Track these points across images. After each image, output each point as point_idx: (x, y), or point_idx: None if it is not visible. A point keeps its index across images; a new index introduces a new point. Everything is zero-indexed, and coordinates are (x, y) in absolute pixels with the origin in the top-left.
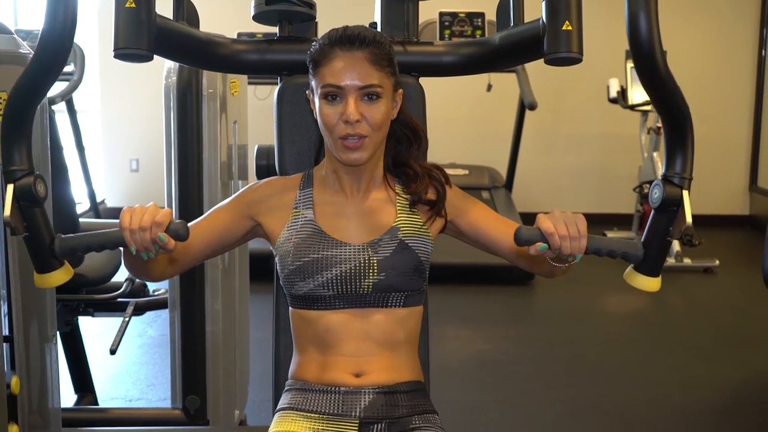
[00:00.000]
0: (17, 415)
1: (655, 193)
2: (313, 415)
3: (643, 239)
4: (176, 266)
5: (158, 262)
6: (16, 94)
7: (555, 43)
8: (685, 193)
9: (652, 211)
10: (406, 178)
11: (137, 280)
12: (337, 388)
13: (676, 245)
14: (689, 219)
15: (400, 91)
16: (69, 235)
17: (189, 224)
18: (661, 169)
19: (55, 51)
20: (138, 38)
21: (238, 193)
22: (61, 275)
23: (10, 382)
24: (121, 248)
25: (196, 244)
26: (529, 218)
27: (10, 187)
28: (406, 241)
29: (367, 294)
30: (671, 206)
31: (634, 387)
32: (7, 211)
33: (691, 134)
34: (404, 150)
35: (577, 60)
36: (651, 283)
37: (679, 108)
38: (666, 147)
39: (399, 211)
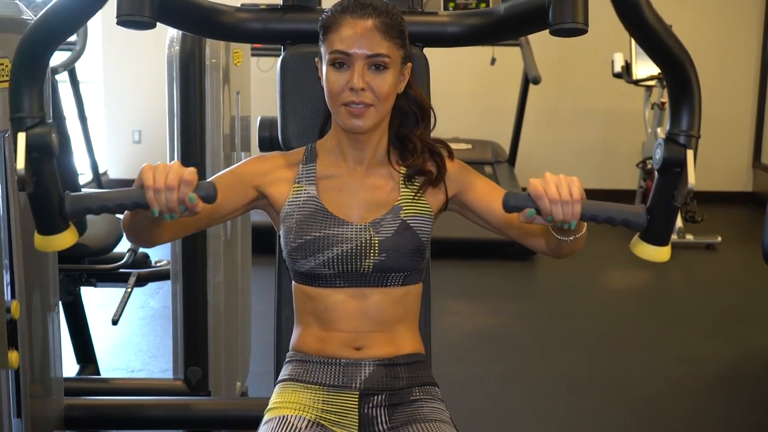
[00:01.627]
0: (17, 341)
1: (657, 154)
2: (313, 386)
3: (648, 205)
4: (178, 231)
5: (166, 226)
6: (32, 34)
7: (560, 13)
8: (688, 152)
9: (656, 174)
10: (406, 151)
11: (140, 250)
12: (337, 360)
13: (678, 221)
14: (692, 180)
15: (409, 65)
16: (81, 192)
17: None
18: None
19: None
20: (141, 5)
21: (242, 162)
22: (66, 238)
23: (10, 306)
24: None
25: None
26: None
27: (21, 136)
28: (408, 221)
29: (367, 273)
30: (674, 167)
31: (635, 362)
32: (21, 163)
33: (696, 86)
34: (410, 125)
35: (582, 31)
36: (658, 253)
37: (678, 57)
38: (669, 102)
39: (402, 189)
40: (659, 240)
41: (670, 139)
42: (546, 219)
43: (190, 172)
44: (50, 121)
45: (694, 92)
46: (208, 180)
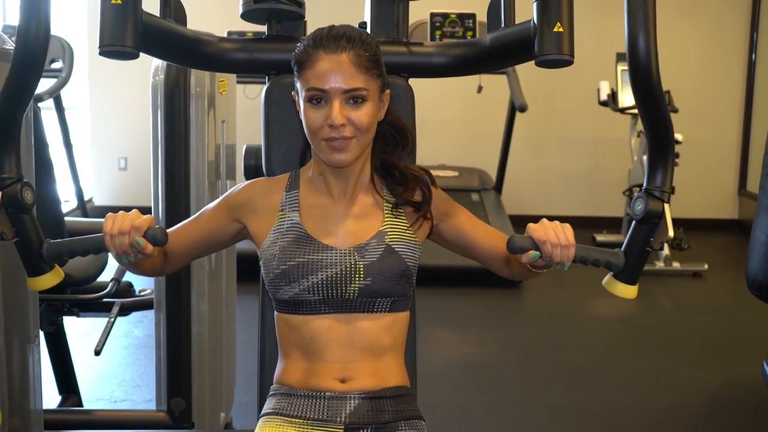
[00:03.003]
0: None
1: (638, 206)
2: (297, 420)
3: (623, 248)
4: (167, 265)
5: (145, 261)
6: (1, 104)
7: (546, 45)
8: (666, 206)
9: (634, 222)
10: (392, 180)
11: (123, 280)
12: (322, 394)
13: (665, 249)
14: (671, 232)
15: (387, 91)
16: (56, 240)
17: (179, 224)
18: None
19: (34, 51)
20: (124, 35)
21: (224, 194)
22: (51, 278)
23: None
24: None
25: (183, 245)
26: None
27: None
28: (393, 246)
29: (352, 299)
30: (653, 218)
31: (622, 391)
32: (2, 219)
33: (672, 151)
34: (392, 151)
35: (568, 62)
36: (629, 291)
37: (666, 126)
38: (648, 161)
39: (386, 216)
40: (631, 279)
41: (649, 193)
42: (545, 260)
43: (143, 219)
44: (25, 180)
45: (671, 155)
46: (173, 218)
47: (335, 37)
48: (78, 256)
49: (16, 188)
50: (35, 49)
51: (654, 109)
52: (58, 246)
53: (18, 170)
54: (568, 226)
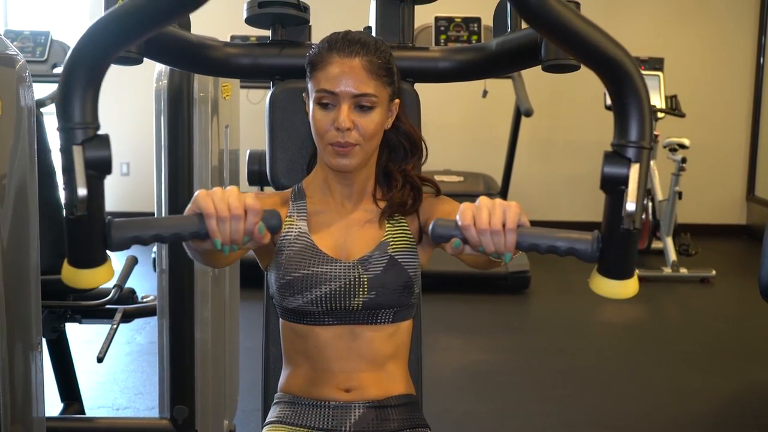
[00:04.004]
0: None
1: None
2: (302, 429)
3: (601, 232)
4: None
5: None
6: (96, 31)
7: (553, 49)
8: (633, 167)
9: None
10: (387, 187)
11: (125, 286)
12: (326, 403)
13: (672, 255)
14: (632, 200)
15: (397, 101)
16: (127, 219)
17: None
18: (657, 178)
19: None
20: None
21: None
22: (100, 274)
23: None
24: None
25: None
26: None
27: (79, 151)
28: (396, 257)
29: (356, 311)
30: (619, 185)
31: (629, 398)
32: (83, 184)
33: (642, 86)
34: (399, 160)
35: (575, 67)
36: (619, 288)
37: (612, 55)
38: (614, 109)
39: (388, 225)
40: (617, 272)
41: (615, 152)
42: (476, 249)
43: (252, 198)
44: (105, 133)
45: (641, 93)
46: (273, 209)
47: (350, 42)
48: (161, 242)
49: (101, 142)
50: None
51: (578, 41)
52: (132, 226)
53: (97, 120)
54: (512, 204)
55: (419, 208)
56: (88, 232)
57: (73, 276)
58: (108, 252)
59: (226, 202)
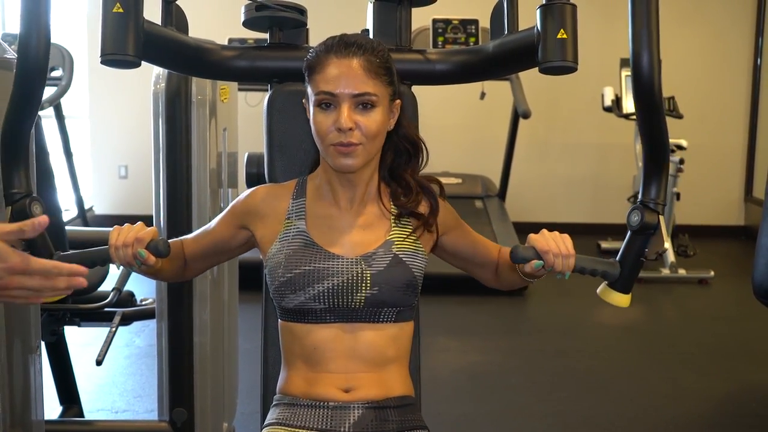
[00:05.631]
0: None
1: (635, 218)
2: (301, 430)
3: (618, 258)
4: (187, 270)
5: (162, 269)
6: (7, 119)
7: (550, 51)
8: (661, 218)
9: (629, 233)
10: (398, 190)
11: (124, 289)
12: (325, 404)
13: (671, 256)
14: (667, 244)
15: (398, 102)
16: (65, 253)
17: (195, 232)
18: None
19: (35, 62)
20: (126, 44)
21: (232, 203)
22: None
23: None
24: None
25: (196, 253)
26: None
27: (8, 210)
28: (400, 256)
29: (358, 308)
30: (649, 230)
31: (627, 399)
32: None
33: (668, 164)
34: (403, 163)
35: (572, 69)
36: (623, 299)
37: (663, 140)
38: (644, 173)
39: (393, 226)
40: (625, 288)
41: (645, 205)
42: (546, 269)
43: (147, 231)
44: (33, 195)
45: (666, 168)
46: (175, 228)
47: (347, 44)
48: (87, 267)
49: (25, 203)
50: (37, 60)
51: (654, 122)
52: (67, 259)
53: (27, 185)
54: (567, 236)
55: (438, 215)
56: None
57: None
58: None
59: (125, 235)
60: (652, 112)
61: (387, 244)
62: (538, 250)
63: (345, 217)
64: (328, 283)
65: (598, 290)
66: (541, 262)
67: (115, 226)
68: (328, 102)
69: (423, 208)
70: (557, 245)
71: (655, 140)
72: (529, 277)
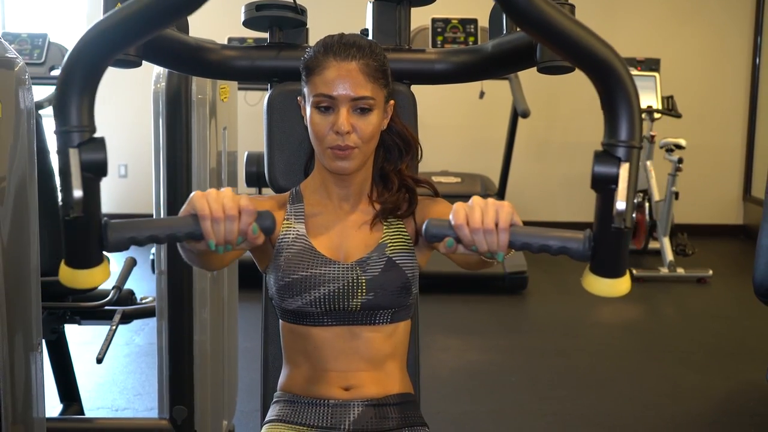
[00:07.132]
0: None
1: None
2: (301, 427)
3: (593, 232)
4: (223, 262)
5: (219, 255)
6: (93, 36)
7: (548, 51)
8: (623, 166)
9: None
10: (383, 188)
11: (124, 288)
12: (326, 401)
13: (669, 255)
14: (622, 199)
15: (392, 102)
16: (123, 220)
17: None
18: (654, 178)
19: None
20: None
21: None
22: (97, 275)
23: None
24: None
25: None
26: None
27: (74, 153)
28: (394, 258)
29: (355, 312)
30: (609, 184)
31: (626, 398)
32: (79, 186)
33: (631, 86)
34: (394, 160)
35: (570, 69)
36: (612, 287)
37: (601, 55)
38: (603, 109)
39: (385, 226)
40: (609, 271)
41: (605, 151)
42: (470, 249)
43: (247, 200)
44: (101, 136)
45: (630, 93)
46: (267, 210)
47: (345, 45)
48: (156, 243)
49: (97, 145)
50: None
51: (566, 40)
52: (128, 228)
53: (93, 124)
54: (505, 204)
55: (415, 210)
56: (84, 232)
57: (70, 276)
58: (106, 253)
59: (221, 203)
60: (554, 25)
61: (380, 248)
62: (453, 224)
63: (340, 216)
64: (325, 289)
65: (581, 280)
66: (453, 240)
67: (197, 192)
68: (326, 104)
69: (403, 203)
70: (480, 217)
71: (591, 61)
72: (464, 257)
